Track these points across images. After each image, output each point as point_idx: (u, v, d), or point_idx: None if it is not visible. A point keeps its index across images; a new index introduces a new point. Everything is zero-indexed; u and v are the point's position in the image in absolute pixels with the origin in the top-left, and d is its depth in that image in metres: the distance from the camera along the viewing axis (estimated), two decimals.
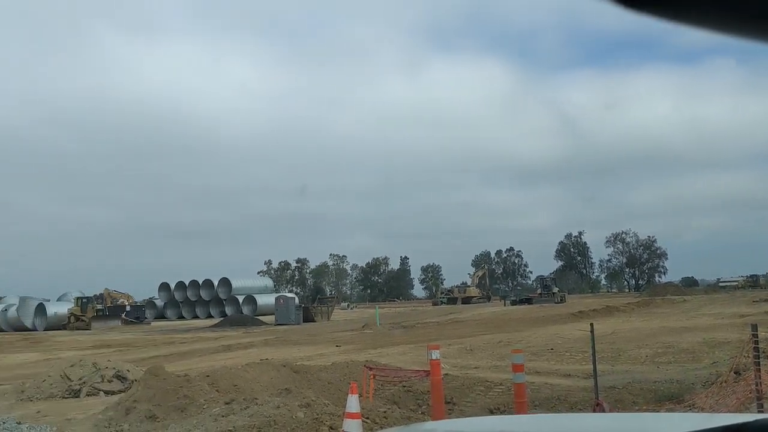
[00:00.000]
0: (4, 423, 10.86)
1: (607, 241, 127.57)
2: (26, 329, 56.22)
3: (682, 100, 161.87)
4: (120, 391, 12.91)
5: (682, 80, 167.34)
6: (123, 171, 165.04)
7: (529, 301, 64.29)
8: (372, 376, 10.75)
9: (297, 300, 52.87)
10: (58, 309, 59.58)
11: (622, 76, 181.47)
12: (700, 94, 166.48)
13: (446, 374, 13.22)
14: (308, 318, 46.97)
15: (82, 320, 54.63)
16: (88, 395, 13.39)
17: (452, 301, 77.82)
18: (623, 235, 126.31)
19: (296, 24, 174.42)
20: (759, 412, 6.88)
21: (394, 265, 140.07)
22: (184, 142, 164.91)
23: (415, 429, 3.52)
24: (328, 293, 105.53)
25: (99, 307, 58.48)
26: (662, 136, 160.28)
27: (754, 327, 7.48)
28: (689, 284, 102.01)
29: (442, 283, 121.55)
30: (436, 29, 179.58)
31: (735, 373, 9.44)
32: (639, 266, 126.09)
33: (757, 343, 7.37)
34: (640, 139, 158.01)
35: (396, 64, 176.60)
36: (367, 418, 7.79)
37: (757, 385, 7.12)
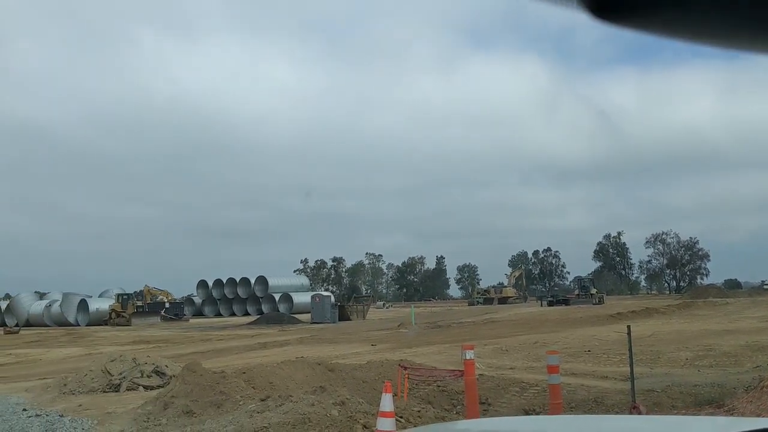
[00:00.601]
0: (47, 416, 11.15)
1: (647, 242, 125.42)
2: (69, 324, 57.61)
3: (725, 97, 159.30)
4: (158, 387, 13.12)
5: (725, 76, 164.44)
6: (163, 171, 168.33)
7: (566, 301, 63.52)
8: (406, 376, 10.75)
9: (333, 298, 53.11)
10: (99, 305, 60.89)
11: (662, 73, 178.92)
12: (744, 91, 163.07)
13: (481, 374, 13.15)
14: (344, 317, 47.14)
15: (123, 316, 55.69)
16: (127, 390, 13.63)
17: (488, 301, 77.41)
18: (664, 236, 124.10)
19: (332, 24, 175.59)
20: None
21: (430, 264, 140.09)
22: (224, 142, 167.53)
23: (447, 427, 3.51)
24: (364, 292, 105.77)
25: (139, 303, 59.51)
26: (704, 135, 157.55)
27: None
28: (732, 286, 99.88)
29: (478, 283, 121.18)
30: (472, 27, 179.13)
31: None
32: (680, 268, 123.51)
33: None
34: (681, 138, 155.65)
35: (432, 63, 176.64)
36: (401, 417, 7.79)
37: None
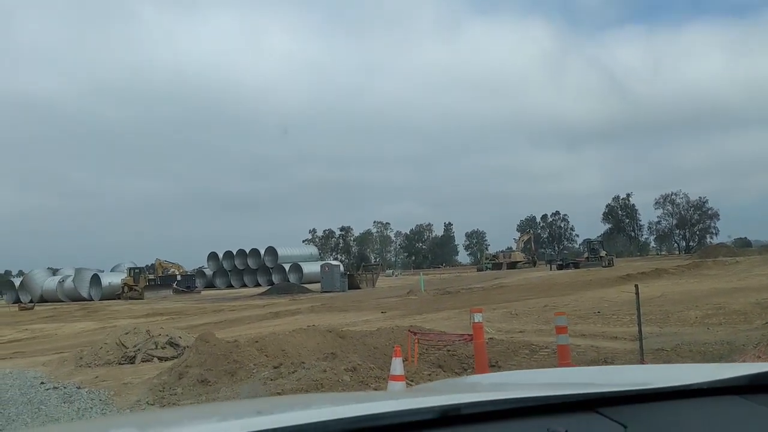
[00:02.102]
0: (65, 388, 11.34)
1: (656, 203, 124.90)
2: (82, 299, 58.26)
3: (735, 56, 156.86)
4: (173, 357, 13.29)
5: (735, 34, 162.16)
6: (171, 143, 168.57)
7: (575, 265, 63.51)
8: (416, 341, 10.85)
9: (342, 267, 53.34)
10: (112, 279, 61.46)
11: (670, 32, 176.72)
12: (755, 47, 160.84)
13: (491, 338, 13.25)
14: (353, 285, 47.42)
15: (135, 290, 56.24)
16: (142, 361, 13.82)
17: (497, 266, 77.46)
18: (673, 197, 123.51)
19: None
20: None
21: (438, 231, 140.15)
22: (231, 112, 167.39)
23: (457, 381, 3.56)
24: (373, 260, 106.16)
25: (151, 277, 60.03)
26: (714, 94, 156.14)
27: None
28: (742, 245, 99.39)
29: (486, 248, 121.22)
30: None
31: None
32: (689, 228, 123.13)
33: None
34: (690, 98, 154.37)
35: (436, 28, 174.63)
36: (412, 381, 7.88)
37: None
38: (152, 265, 64.82)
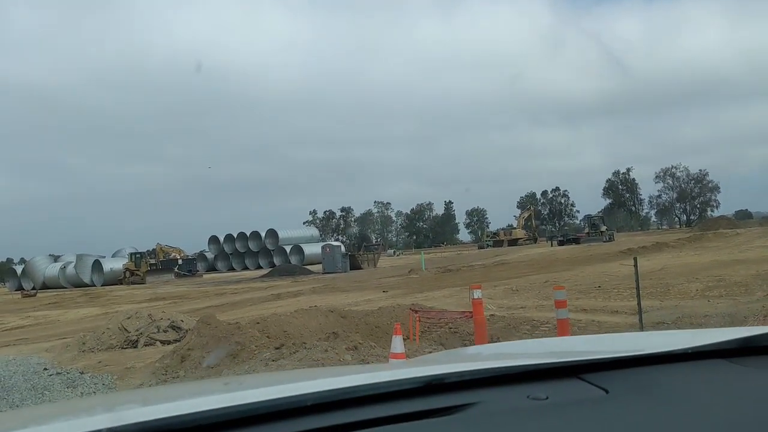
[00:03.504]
0: (68, 374, 11.39)
1: (656, 177, 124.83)
2: (84, 285, 58.44)
3: (733, 25, 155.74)
4: (175, 341, 13.32)
5: (734, 4, 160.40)
6: (169, 128, 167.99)
7: (576, 240, 63.66)
8: (417, 319, 10.87)
9: (343, 248, 53.44)
10: (113, 265, 61.59)
11: (668, 3, 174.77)
12: (753, 17, 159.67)
13: (492, 315, 13.28)
14: (355, 266, 47.49)
15: (137, 275, 56.41)
16: (145, 345, 13.86)
17: (498, 243, 77.65)
18: (673, 170, 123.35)
19: None
20: None
21: (439, 210, 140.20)
22: (228, 95, 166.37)
23: (458, 351, 3.57)
24: (374, 240, 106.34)
25: (152, 261, 60.21)
26: (713, 66, 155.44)
27: None
28: (743, 217, 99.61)
29: (487, 226, 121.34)
30: None
31: None
32: (690, 201, 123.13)
33: None
34: (689, 69, 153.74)
35: (432, 4, 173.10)
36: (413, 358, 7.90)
37: None
38: (153, 250, 64.97)
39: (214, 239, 77.75)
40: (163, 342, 13.86)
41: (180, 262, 62.50)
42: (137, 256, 59.90)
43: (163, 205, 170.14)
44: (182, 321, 14.97)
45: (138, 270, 57.31)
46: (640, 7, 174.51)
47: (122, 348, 13.89)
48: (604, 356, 1.55)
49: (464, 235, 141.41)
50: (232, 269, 72.37)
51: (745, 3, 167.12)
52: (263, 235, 74.40)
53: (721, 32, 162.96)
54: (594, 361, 1.52)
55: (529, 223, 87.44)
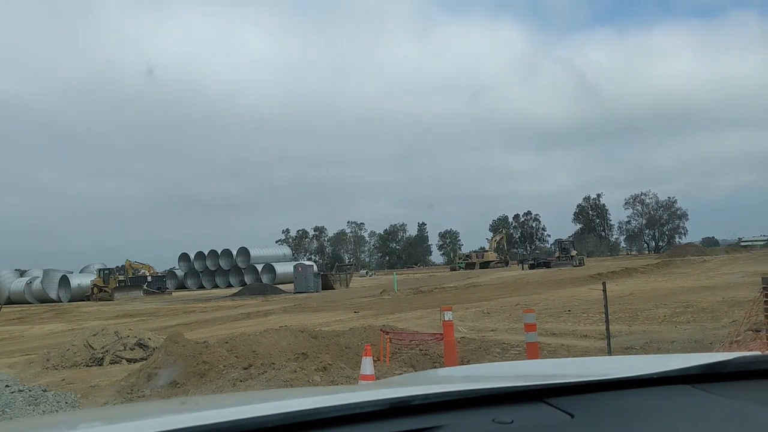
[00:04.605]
0: (30, 391, 11.12)
1: (626, 203, 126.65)
2: (51, 301, 57.33)
3: (704, 57, 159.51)
4: (142, 359, 13.12)
5: (703, 36, 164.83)
6: (142, 144, 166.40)
7: (547, 264, 64.14)
8: (388, 340, 10.84)
9: (315, 268, 53.19)
10: (81, 281, 60.58)
11: (640, 33, 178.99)
12: (722, 50, 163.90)
13: (463, 337, 13.30)
14: (327, 285, 47.27)
15: (105, 291, 55.55)
16: (111, 363, 13.63)
17: (470, 266, 77.88)
18: (643, 197, 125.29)
19: None
20: None
21: (412, 231, 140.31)
22: (203, 113, 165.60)
23: (428, 373, 3.56)
24: (347, 261, 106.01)
25: (121, 278, 59.32)
26: (682, 95, 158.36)
27: (766, 281, 7.41)
28: (710, 244, 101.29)
29: (460, 248, 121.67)
30: None
31: (755, 331, 9.37)
32: (659, 227, 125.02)
33: (767, 297, 7.31)
34: (659, 99, 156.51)
35: (408, 29, 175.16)
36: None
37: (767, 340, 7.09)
38: (122, 266, 64.10)
39: (184, 256, 76.91)
40: (129, 360, 13.64)
41: (149, 279, 61.68)
42: (106, 272, 59.01)
43: (134, 221, 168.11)
44: (149, 339, 14.75)
45: (106, 286, 56.42)
46: (613, 37, 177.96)
47: (87, 365, 13.63)
48: (570, 380, 1.56)
49: (437, 256, 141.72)
50: (202, 287, 71.57)
51: (712, 37, 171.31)
52: (235, 253, 73.78)
53: (690, 63, 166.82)
54: (559, 385, 1.54)
55: (501, 246, 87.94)
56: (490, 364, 4.65)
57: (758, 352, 1.96)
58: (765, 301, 7.37)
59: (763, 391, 1.65)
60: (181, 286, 71.80)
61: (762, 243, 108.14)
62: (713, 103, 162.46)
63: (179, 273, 75.46)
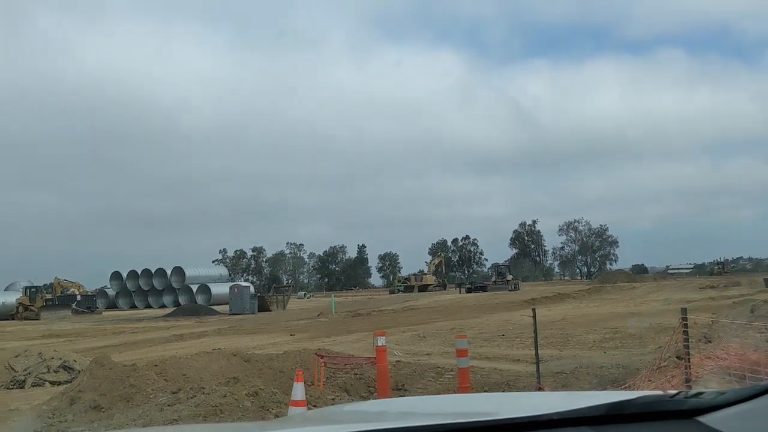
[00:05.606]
0: None
1: (560, 230, 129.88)
2: None
3: (634, 91, 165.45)
4: (66, 382, 12.67)
5: (633, 71, 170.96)
6: (75, 157, 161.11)
7: (483, 288, 65.01)
8: (323, 364, 10.76)
9: (252, 289, 52.42)
10: (5, 299, 58.16)
11: (572, 66, 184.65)
12: (651, 85, 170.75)
13: (398, 361, 13.33)
14: (263, 307, 46.63)
15: (31, 310, 53.47)
16: (33, 386, 13.13)
17: (409, 289, 78.11)
18: (576, 224, 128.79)
19: (239, 11, 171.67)
20: None
21: (352, 253, 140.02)
22: (139, 129, 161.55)
23: (338, 409, 3.54)
24: (285, 282, 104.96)
25: (48, 296, 57.33)
26: (613, 127, 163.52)
27: (684, 311, 7.72)
28: (639, 272, 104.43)
29: (399, 271, 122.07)
30: (384, 19, 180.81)
31: (678, 357, 9.70)
32: (591, 254, 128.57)
33: (686, 326, 7.61)
34: (592, 129, 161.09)
35: (348, 53, 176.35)
36: (315, 405, 7.79)
37: (686, 368, 7.36)
38: (50, 284, 61.92)
39: (116, 275, 74.70)
40: (53, 383, 13.17)
41: (79, 298, 59.73)
42: (32, 290, 56.80)
43: (65, 238, 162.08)
44: (75, 361, 14.27)
45: (32, 305, 54.29)
46: (548, 68, 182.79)
47: (8, 388, 13.10)
48: (469, 420, 1.57)
49: (376, 279, 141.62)
50: (134, 307, 69.58)
51: (644, 70, 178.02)
52: (169, 272, 72.08)
53: (621, 96, 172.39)
54: (456, 426, 1.54)
55: (439, 270, 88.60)
56: (396, 400, 4.66)
57: (661, 392, 2.01)
58: (684, 330, 7.65)
59: None
60: (113, 306, 69.62)
61: (688, 271, 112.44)
62: (642, 136, 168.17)
63: (110, 292, 73.22)
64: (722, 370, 7.94)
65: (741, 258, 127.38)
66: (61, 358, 14.31)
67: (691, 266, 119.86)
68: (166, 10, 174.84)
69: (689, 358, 7.55)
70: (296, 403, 6.80)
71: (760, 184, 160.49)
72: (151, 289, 72.14)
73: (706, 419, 1.62)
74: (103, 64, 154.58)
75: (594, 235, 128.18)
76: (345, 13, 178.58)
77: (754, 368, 7.10)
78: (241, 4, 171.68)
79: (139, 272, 73.32)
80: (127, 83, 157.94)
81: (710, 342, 11.40)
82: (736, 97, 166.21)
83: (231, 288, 49.38)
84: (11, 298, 57.40)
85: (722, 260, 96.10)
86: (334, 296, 52.76)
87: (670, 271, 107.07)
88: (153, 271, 72.94)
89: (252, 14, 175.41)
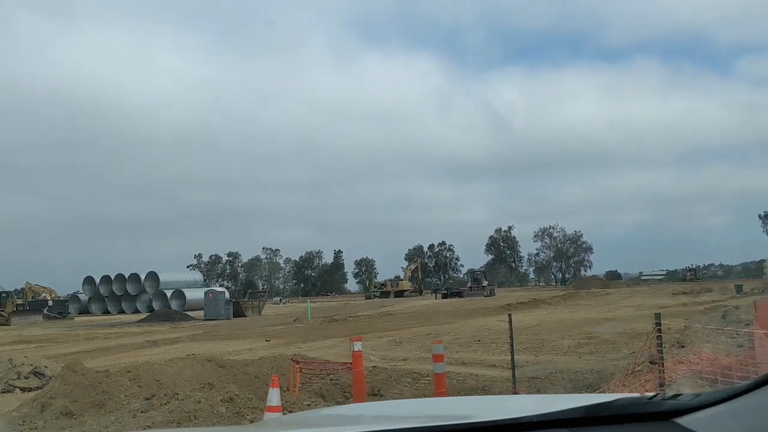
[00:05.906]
0: None
1: (535, 236, 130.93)
2: None
3: (609, 98, 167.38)
4: (37, 388, 12.45)
5: (608, 78, 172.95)
6: (47, 161, 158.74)
7: (459, 294, 65.18)
8: (299, 370, 10.71)
9: (227, 294, 51.99)
10: None
11: (548, 73, 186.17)
12: (625, 93, 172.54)
13: (374, 366, 13.31)
14: (239, 313, 46.30)
15: (1, 315, 52.51)
16: (3, 392, 12.89)
17: (385, 294, 78.12)
18: (551, 230, 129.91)
19: (219, 15, 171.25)
20: None
21: (328, 258, 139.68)
22: (112, 132, 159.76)
23: (314, 413, 3.53)
24: (261, 287, 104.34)
25: (19, 301, 56.40)
26: (589, 133, 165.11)
27: (657, 316, 7.82)
28: (613, 278, 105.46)
29: (375, 277, 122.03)
30: (363, 24, 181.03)
31: (651, 362, 9.81)
32: (566, 260, 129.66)
33: (660, 332, 7.70)
34: (568, 136, 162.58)
35: (327, 58, 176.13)
36: (290, 411, 7.75)
37: (660, 373, 7.44)
38: (22, 289, 60.94)
39: (89, 280, 73.66)
40: (23, 389, 12.94)
41: (50, 303, 58.81)
42: (2, 295, 55.80)
43: (37, 242, 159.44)
44: (46, 367, 14.04)
45: (3, 310, 53.33)
46: (524, 75, 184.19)
47: None
48: (446, 423, 1.57)
49: (352, 284, 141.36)
50: (107, 312, 68.66)
51: (620, 78, 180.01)
52: (143, 277, 71.23)
53: (596, 103, 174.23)
54: (434, 429, 1.54)
55: (415, 275, 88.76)
56: (372, 404, 4.66)
57: (638, 394, 2.03)
58: (657, 336, 7.74)
59: None
60: (85, 311, 68.62)
61: (660, 277, 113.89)
62: (617, 143, 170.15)
63: (83, 297, 72.19)
64: (695, 374, 8.05)
65: (712, 265, 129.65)
66: (32, 364, 14.08)
67: (664, 272, 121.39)
68: (140, 14, 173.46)
69: (663, 363, 7.63)
70: (271, 409, 6.76)
71: (731, 191, 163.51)
72: (124, 295, 71.27)
73: (683, 421, 1.64)
74: (76, 68, 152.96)
75: (569, 242, 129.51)
76: (325, 17, 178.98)
77: (726, 372, 7.20)
78: (215, 8, 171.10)
79: (113, 277, 72.38)
80: (101, 87, 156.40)
81: (683, 347, 11.55)
82: (708, 105, 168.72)
83: (206, 293, 48.96)
84: None
85: (694, 267, 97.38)
86: (310, 302, 52.59)
87: (643, 278, 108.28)
88: (126, 276, 72.06)
89: (232, 17, 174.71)
